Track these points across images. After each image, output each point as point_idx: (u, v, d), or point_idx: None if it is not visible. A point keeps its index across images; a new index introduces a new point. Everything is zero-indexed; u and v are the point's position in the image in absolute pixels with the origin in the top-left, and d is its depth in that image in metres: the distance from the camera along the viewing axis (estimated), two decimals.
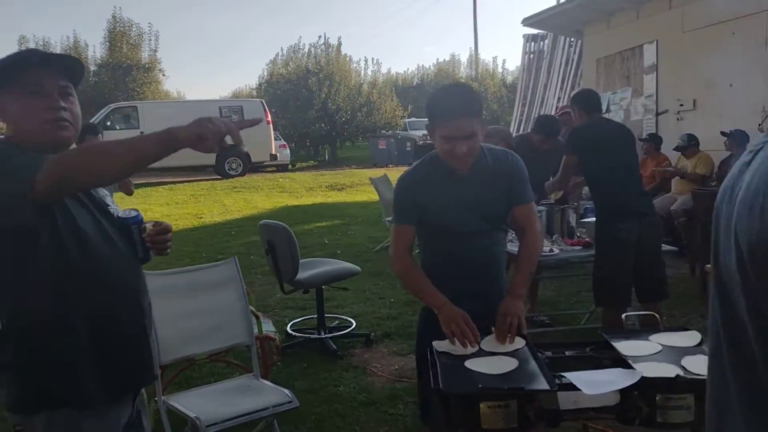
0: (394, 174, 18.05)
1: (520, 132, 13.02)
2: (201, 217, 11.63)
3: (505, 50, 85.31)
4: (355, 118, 26.68)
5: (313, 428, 3.44)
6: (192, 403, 2.83)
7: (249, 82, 61.44)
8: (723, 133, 7.12)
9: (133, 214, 1.73)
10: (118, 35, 23.99)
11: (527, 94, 13.13)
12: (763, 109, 7.36)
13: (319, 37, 29.57)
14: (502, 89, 33.12)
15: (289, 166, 22.23)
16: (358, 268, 4.86)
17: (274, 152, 18.68)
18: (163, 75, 24.43)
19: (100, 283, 1.65)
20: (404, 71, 42.14)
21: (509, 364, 2.08)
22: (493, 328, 2.28)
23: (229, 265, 3.17)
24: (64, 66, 1.71)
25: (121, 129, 17.39)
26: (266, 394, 2.89)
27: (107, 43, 24.46)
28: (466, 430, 1.96)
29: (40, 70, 1.66)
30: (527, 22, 11.14)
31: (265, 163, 19.11)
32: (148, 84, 24.09)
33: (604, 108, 9.93)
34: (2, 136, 1.73)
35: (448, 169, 2.37)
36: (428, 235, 2.43)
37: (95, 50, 24.93)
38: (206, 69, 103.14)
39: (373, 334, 4.86)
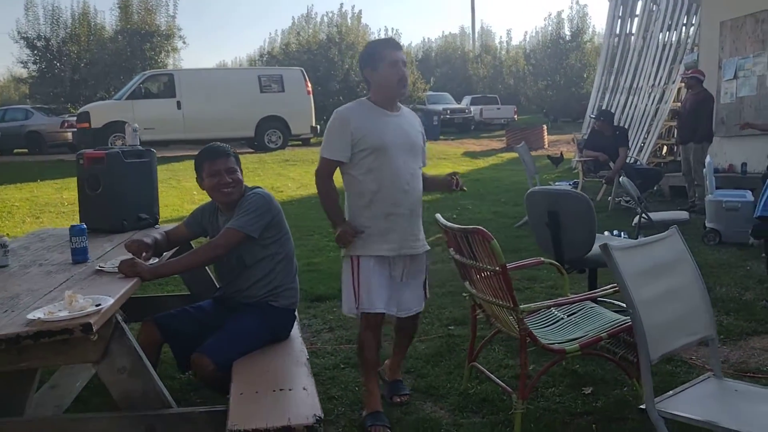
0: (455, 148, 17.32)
1: (605, 99, 12.37)
2: (281, 191, 10.85)
3: (512, 20, 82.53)
4: None
5: None
6: (696, 410, 2.18)
7: (239, 54, 59.69)
8: None
9: None
10: (131, 0, 22.73)
11: (614, 62, 12.48)
12: None
13: (341, 4, 28.35)
14: (520, 61, 32.32)
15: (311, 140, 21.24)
16: None
17: (314, 124, 17.80)
18: (184, 42, 23.23)
19: None
20: (407, 45, 41.17)
21: None
22: None
23: (674, 237, 2.51)
24: None
25: (156, 98, 16.39)
26: None
27: (117, 9, 23.18)
28: None
29: None
30: None
31: (302, 136, 18.18)
32: (167, 52, 22.89)
33: (731, 74, 9.37)
34: None
35: None
36: None
37: (104, 17, 23.58)
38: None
39: None
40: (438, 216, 3.34)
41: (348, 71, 25.01)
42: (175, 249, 3.32)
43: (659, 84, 11.34)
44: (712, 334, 2.45)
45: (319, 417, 2.11)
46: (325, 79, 24.73)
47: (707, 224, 6.64)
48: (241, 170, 3.02)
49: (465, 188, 3.19)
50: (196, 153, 3.06)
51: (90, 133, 15.52)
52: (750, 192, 7.07)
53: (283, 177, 12.39)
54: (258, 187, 3.03)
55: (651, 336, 2.20)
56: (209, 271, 3.95)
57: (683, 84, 9.58)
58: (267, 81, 17.23)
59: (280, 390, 2.35)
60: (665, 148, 11.89)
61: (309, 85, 17.57)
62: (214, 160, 2.92)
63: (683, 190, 9.07)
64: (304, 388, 2.36)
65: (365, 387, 3.12)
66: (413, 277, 3.14)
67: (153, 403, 2.29)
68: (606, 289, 2.99)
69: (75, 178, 3.86)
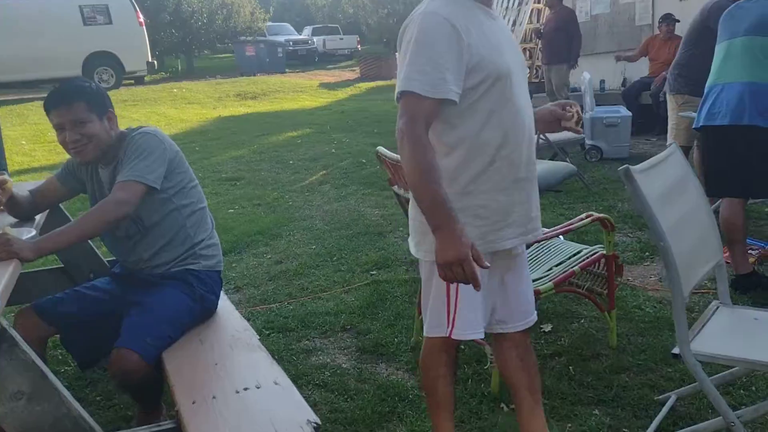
0: (274, 81, 16.39)
1: None
2: None
3: None
4: (213, 23, 23.97)
5: None
6: (731, 348, 1.94)
7: None
8: None
9: None
10: None
11: None
12: None
13: None
14: None
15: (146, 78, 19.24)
16: (572, 166, 3.97)
17: (150, 59, 16.14)
18: None
19: None
20: None
21: None
22: None
23: (676, 154, 2.21)
24: None
25: None
26: None
27: None
28: None
29: None
30: None
31: (137, 73, 16.43)
32: None
33: None
34: None
35: None
36: None
37: None
38: None
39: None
40: (382, 149, 2.85)
41: (180, 1, 22.93)
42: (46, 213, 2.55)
43: (513, 6, 11.31)
44: (721, 258, 2.21)
45: (317, 423, 1.60)
46: (154, 10, 22.48)
47: (588, 141, 6.68)
48: (109, 113, 2.26)
49: (581, 129, 1.99)
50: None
51: None
52: (623, 108, 7.22)
53: (126, 119, 11.05)
54: (143, 127, 2.32)
55: (682, 269, 1.89)
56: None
57: (543, 4, 9.56)
58: (90, 12, 15.22)
59: (245, 390, 1.80)
60: None
61: (140, 15, 15.79)
62: (54, 110, 2.14)
63: None
64: (276, 383, 1.82)
65: None
66: (520, 271, 1.92)
67: None
68: (582, 219, 2.68)
69: None
